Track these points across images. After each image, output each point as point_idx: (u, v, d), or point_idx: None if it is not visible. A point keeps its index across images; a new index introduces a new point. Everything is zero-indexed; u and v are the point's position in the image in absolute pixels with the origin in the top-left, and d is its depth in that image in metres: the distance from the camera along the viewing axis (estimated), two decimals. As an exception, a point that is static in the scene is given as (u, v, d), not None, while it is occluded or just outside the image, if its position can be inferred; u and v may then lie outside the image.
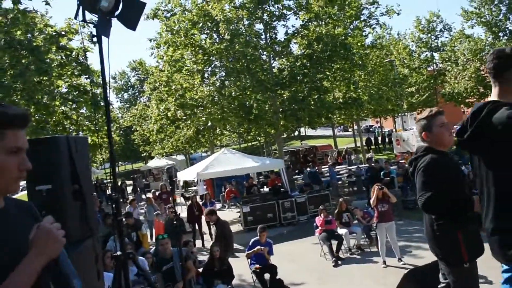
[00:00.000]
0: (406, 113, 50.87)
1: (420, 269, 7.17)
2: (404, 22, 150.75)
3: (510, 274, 2.87)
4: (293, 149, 39.83)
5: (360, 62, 24.47)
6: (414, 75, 44.11)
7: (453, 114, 61.55)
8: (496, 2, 42.00)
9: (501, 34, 42.07)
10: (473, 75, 40.63)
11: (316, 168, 25.78)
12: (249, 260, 10.92)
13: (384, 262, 11.28)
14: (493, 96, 3.01)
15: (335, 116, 30.31)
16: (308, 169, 26.89)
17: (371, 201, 11.29)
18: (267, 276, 10.52)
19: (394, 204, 11.65)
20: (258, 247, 10.62)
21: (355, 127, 42.49)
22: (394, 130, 43.29)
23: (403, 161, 25.11)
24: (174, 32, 22.73)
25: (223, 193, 25.48)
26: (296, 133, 62.24)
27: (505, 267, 2.90)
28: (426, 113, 4.35)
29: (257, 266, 10.59)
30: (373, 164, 20.00)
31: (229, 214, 22.02)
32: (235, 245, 14.04)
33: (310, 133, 69.83)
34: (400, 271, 9.90)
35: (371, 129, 67.34)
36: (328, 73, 23.86)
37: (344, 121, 38.60)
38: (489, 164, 2.94)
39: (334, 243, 12.64)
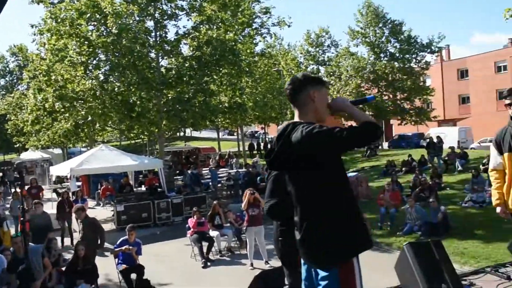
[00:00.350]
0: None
1: (269, 271, 7.47)
2: (296, 34, 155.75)
3: (327, 282, 2.99)
4: (176, 150, 39.61)
5: (247, 69, 24.84)
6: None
7: (336, 125, 64.65)
8: (380, 25, 44.63)
9: (382, 55, 44.79)
10: (353, 91, 42.82)
11: (197, 170, 25.83)
12: (116, 259, 10.73)
13: (252, 264, 11.58)
14: (295, 118, 3.23)
15: (219, 120, 30.55)
16: (189, 170, 26.89)
17: (243, 205, 11.54)
18: (134, 276, 10.39)
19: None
20: (126, 246, 10.46)
21: (240, 131, 43.15)
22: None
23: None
24: (59, 20, 21.73)
25: (99, 191, 24.74)
26: (182, 133, 61.95)
27: (322, 273, 3.03)
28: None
29: (124, 266, 10.43)
30: (250, 169, 20.42)
31: (104, 212, 21.43)
32: (106, 244, 13.71)
33: (195, 135, 69.92)
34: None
35: (255, 135, 68.73)
36: (215, 76, 23.96)
37: (229, 125, 39.04)
38: (295, 181, 3.15)
39: (205, 244, 12.77)
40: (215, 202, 14.44)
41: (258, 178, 18.14)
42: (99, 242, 10.59)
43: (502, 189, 5.11)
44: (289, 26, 30.53)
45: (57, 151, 46.57)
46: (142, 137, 38.76)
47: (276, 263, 11.52)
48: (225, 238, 13.52)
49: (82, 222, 10.95)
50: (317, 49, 48.89)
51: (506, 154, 5.04)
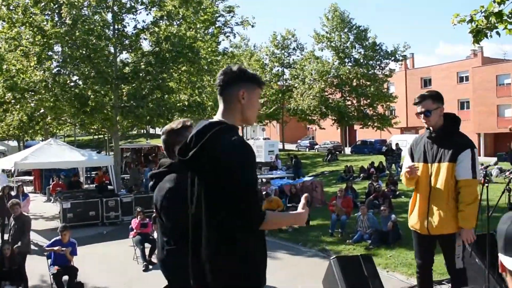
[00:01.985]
0: (256, 123, 52.21)
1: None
2: (263, 35, 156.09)
3: None
4: (135, 147, 38.82)
5: (206, 68, 24.41)
6: (264, 88, 45.45)
7: (296, 129, 65.00)
8: (346, 30, 44.82)
9: (346, 60, 45.04)
10: (317, 95, 42.87)
11: (154, 168, 25.19)
12: (49, 260, 10.16)
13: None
14: (218, 114, 2.97)
15: (178, 118, 29.98)
16: (147, 168, 26.27)
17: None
18: (66, 278, 9.85)
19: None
20: (59, 247, 9.90)
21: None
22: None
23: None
24: (12, 7, 20.93)
25: (50, 186, 23.94)
26: (144, 131, 61.03)
27: None
28: (179, 124, 3.85)
29: (56, 267, 9.86)
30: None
31: (55, 208, 20.67)
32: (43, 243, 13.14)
33: (160, 132, 69.03)
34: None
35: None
36: (174, 74, 23.50)
37: (190, 124, 38.44)
38: (207, 187, 2.83)
39: (148, 246, 12.28)
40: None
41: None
42: (19, 244, 9.92)
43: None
44: (252, 26, 30.33)
45: (14, 143, 45.22)
46: (101, 132, 37.90)
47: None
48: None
49: (14, 219, 10.35)
50: (283, 51, 48.84)
51: (420, 164, 4.81)
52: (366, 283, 4.54)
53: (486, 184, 5.22)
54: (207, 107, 26.40)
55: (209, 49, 26.56)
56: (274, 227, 2.89)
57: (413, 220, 4.87)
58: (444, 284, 7.11)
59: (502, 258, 1.93)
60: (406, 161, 5.07)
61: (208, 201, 2.81)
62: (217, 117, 2.97)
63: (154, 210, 4.07)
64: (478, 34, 7.56)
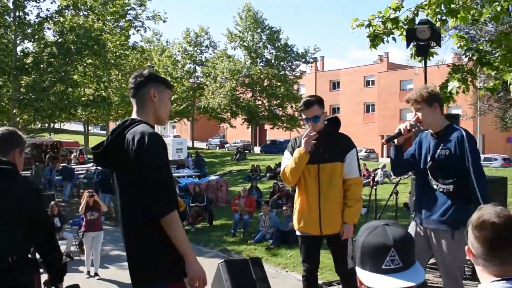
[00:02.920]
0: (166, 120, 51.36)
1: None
2: (175, 31, 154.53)
3: None
4: (36, 142, 36.91)
5: (114, 61, 23.66)
6: (175, 84, 44.85)
7: (208, 128, 64.76)
8: (258, 31, 45.11)
9: (258, 60, 45.32)
10: (228, 93, 42.83)
11: (52, 165, 24.09)
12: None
13: (88, 272, 10.60)
14: (133, 115, 3.12)
15: (84, 113, 28.90)
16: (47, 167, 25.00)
17: (80, 208, 10.58)
18: None
19: (107, 212, 11.11)
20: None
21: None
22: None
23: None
24: None
25: None
26: (47, 125, 58.36)
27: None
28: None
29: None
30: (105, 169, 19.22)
31: None
32: None
33: (68, 127, 66.76)
34: (103, 284, 9.55)
35: (128, 131, 66.58)
36: (79, 67, 22.60)
37: (94, 119, 37.14)
38: (121, 176, 3.03)
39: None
40: (52, 202, 13.23)
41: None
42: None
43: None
44: (164, 21, 29.88)
45: None
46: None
47: (116, 271, 10.70)
48: (64, 242, 12.37)
49: None
50: (195, 48, 48.40)
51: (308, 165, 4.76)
52: (253, 286, 4.41)
53: (375, 187, 5.30)
54: (113, 102, 25.61)
55: (118, 43, 25.81)
56: (172, 232, 2.85)
57: (302, 223, 4.80)
58: (334, 285, 7.18)
59: (359, 272, 1.84)
60: (287, 157, 4.92)
61: (122, 189, 3.01)
62: (132, 116, 3.12)
63: None
64: (375, 39, 7.71)
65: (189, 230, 14.11)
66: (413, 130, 4.22)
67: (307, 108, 4.64)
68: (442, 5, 7.47)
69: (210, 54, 48.93)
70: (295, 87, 47.52)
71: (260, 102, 45.35)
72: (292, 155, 4.79)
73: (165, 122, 3.34)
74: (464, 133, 4.11)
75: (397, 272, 1.75)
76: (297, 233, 4.94)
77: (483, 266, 1.99)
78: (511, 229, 1.97)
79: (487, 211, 1.99)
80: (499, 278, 1.95)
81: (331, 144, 4.71)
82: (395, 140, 4.29)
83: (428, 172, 4.22)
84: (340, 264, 4.78)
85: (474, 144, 4.07)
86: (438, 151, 4.14)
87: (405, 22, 7.54)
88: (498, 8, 7.53)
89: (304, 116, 4.72)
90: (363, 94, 53.29)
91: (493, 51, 7.58)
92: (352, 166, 4.68)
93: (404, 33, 7.41)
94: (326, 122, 4.78)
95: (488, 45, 7.73)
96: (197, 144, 51.65)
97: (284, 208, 13.80)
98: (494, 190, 6.72)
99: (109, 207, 11.02)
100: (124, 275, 9.42)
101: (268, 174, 24.83)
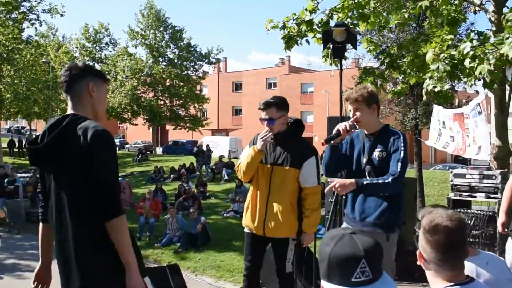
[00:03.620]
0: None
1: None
2: (73, 26, 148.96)
3: None
4: None
5: (6, 55, 22.22)
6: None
7: (107, 127, 62.83)
8: (161, 29, 44.40)
9: (161, 59, 44.61)
10: (129, 92, 41.77)
11: None
12: None
13: (-21, 280, 9.83)
14: (69, 111, 2.88)
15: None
16: None
17: (-29, 212, 9.76)
18: None
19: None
20: None
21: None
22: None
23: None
24: None
25: None
26: None
27: None
28: None
29: None
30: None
31: None
32: None
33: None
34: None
35: (22, 131, 63.39)
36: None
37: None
38: (66, 180, 2.75)
39: None
40: None
41: (6, 180, 15.99)
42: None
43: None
44: (62, 15, 28.61)
45: None
46: None
47: (11, 280, 9.98)
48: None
49: None
50: (95, 45, 46.73)
51: (261, 165, 4.74)
52: (173, 297, 4.20)
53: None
54: (4, 100, 24.04)
55: (10, 36, 24.29)
56: (118, 237, 2.62)
57: (248, 219, 4.76)
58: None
59: (326, 286, 1.71)
60: (243, 153, 4.88)
61: (62, 190, 2.74)
62: (71, 112, 2.85)
63: None
64: (290, 41, 7.72)
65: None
66: (352, 130, 4.20)
67: (264, 109, 4.60)
68: (354, 10, 7.64)
69: (110, 51, 47.43)
70: (198, 87, 47.25)
71: (162, 102, 44.64)
72: None
73: (102, 119, 3.05)
74: (401, 134, 4.16)
75: (368, 285, 1.64)
76: (245, 229, 4.87)
77: (435, 271, 1.95)
78: (463, 233, 1.96)
79: (438, 215, 1.95)
80: (452, 284, 1.92)
81: (287, 148, 4.64)
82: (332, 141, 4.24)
83: (366, 174, 4.22)
84: (278, 267, 4.74)
85: (407, 145, 4.10)
86: (374, 152, 4.16)
87: (319, 25, 7.62)
88: (406, 15, 7.82)
89: (261, 116, 4.65)
90: (266, 95, 53.14)
91: (402, 56, 7.85)
92: (309, 175, 4.58)
93: (318, 35, 7.49)
94: (289, 124, 4.70)
95: (397, 50, 8.00)
96: (96, 144, 49.87)
97: (191, 210, 13.62)
98: (405, 191, 6.97)
99: (3, 212, 10.21)
100: (23, 285, 8.83)
101: (172, 176, 24.39)
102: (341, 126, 4.17)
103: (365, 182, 4.05)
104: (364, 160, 4.22)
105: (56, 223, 2.83)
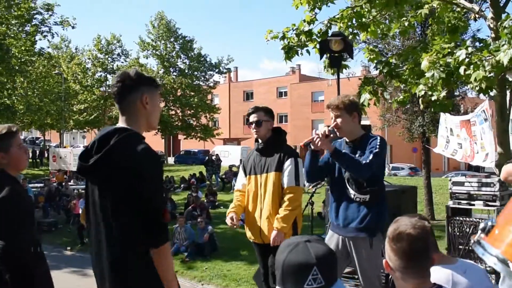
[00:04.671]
0: (76, 130, 49.82)
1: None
2: (86, 38, 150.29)
3: None
4: None
5: (18, 68, 22.50)
6: (85, 93, 43.37)
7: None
8: (172, 40, 44.65)
9: (171, 69, 44.84)
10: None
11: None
12: None
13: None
14: (121, 123, 2.80)
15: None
16: None
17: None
18: None
19: None
20: None
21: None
22: (61, 145, 41.73)
23: (54, 178, 23.90)
24: None
25: None
26: None
27: None
28: (3, 130, 3.41)
29: None
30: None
31: None
32: None
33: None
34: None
35: (37, 142, 64.00)
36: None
37: None
38: (110, 196, 2.65)
39: None
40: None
41: None
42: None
43: (240, 209, 5.01)
44: (73, 27, 28.82)
45: None
46: None
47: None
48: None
49: None
50: (107, 56, 47.09)
51: (247, 177, 4.98)
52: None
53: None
54: (18, 111, 24.31)
55: (23, 48, 24.60)
56: (163, 262, 2.63)
57: (249, 231, 4.97)
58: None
59: None
60: (239, 176, 5.18)
61: (111, 210, 2.63)
62: (120, 125, 2.78)
63: None
64: (290, 51, 7.79)
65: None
66: (331, 135, 4.25)
67: (254, 112, 4.85)
68: (354, 19, 7.68)
69: (122, 62, 47.75)
70: (209, 97, 47.43)
71: (173, 112, 44.84)
72: (244, 173, 5.04)
73: (156, 128, 3.03)
74: (378, 137, 4.22)
75: None
76: (249, 239, 5.07)
77: (401, 280, 1.97)
78: (426, 240, 1.97)
79: (403, 223, 1.98)
80: None
81: (270, 155, 4.82)
82: (312, 146, 4.28)
83: (346, 181, 4.27)
84: (273, 270, 4.73)
85: (383, 146, 4.15)
86: None
87: (319, 35, 7.68)
88: (406, 24, 7.86)
89: (250, 119, 4.86)
90: (276, 105, 54.10)
91: (401, 65, 7.87)
92: (287, 175, 4.70)
93: (317, 45, 7.54)
94: (271, 132, 4.88)
95: (396, 59, 8.02)
96: (109, 155, 50.20)
97: (199, 219, 13.63)
98: (405, 199, 6.97)
99: None
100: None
101: (182, 185, 24.48)
102: (320, 131, 4.21)
103: (342, 151, 4.15)
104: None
105: (96, 245, 2.78)
